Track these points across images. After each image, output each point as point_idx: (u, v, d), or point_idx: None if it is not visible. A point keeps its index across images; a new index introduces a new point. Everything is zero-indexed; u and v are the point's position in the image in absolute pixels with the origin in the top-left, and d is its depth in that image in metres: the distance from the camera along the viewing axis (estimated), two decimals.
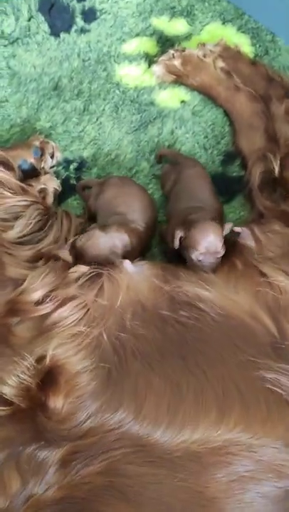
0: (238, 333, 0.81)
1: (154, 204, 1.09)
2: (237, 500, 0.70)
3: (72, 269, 0.89)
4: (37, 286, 0.85)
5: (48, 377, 0.78)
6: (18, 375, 0.76)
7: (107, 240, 0.93)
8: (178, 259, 0.97)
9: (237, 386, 0.76)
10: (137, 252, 0.97)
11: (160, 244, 1.08)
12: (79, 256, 0.92)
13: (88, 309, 0.84)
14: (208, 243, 0.91)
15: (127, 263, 0.90)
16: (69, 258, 0.92)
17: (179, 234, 0.94)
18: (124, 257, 0.93)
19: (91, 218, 1.08)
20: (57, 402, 0.76)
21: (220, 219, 1.02)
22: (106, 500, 0.71)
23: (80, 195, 1.15)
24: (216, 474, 0.71)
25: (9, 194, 0.99)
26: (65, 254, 0.93)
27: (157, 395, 0.76)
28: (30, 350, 0.78)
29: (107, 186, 1.07)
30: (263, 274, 0.89)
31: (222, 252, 0.92)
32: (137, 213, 1.01)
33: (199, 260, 0.92)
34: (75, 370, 0.78)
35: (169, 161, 1.15)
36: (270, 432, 0.73)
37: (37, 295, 0.85)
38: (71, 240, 0.96)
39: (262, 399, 0.75)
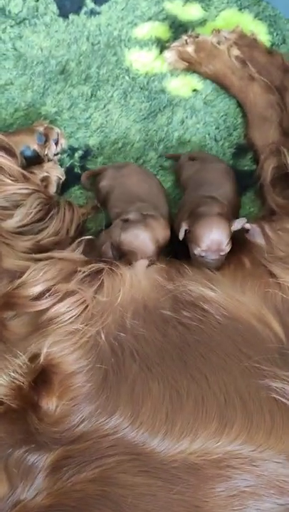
0: (243, 337, 0.78)
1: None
2: None
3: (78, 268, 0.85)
4: (38, 281, 0.82)
5: (42, 377, 0.74)
6: (9, 374, 0.73)
7: (152, 234, 0.88)
8: (184, 251, 0.94)
9: (240, 394, 0.72)
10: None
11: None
12: (121, 255, 0.88)
13: (87, 306, 0.81)
14: (210, 241, 0.87)
15: (143, 263, 0.86)
16: (79, 258, 0.88)
17: (184, 227, 0.91)
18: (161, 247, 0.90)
19: (101, 202, 1.04)
20: (50, 403, 0.73)
21: (234, 215, 0.98)
22: (98, 510, 0.68)
23: (83, 184, 1.10)
24: (215, 488, 0.68)
25: (10, 181, 0.96)
26: (75, 255, 0.89)
27: (155, 400, 0.73)
28: (24, 347, 0.75)
29: (129, 171, 1.04)
30: (273, 275, 0.86)
31: (226, 250, 0.88)
32: (160, 203, 0.99)
33: (202, 256, 0.89)
34: (70, 370, 0.75)
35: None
36: (273, 445, 0.70)
37: (36, 290, 0.81)
38: (81, 239, 0.93)
39: (266, 409, 0.72)
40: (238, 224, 0.91)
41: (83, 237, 0.92)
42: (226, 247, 0.88)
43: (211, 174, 1.04)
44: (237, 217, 0.95)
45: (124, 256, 0.88)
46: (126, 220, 0.91)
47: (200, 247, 0.88)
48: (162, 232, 0.91)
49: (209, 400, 0.72)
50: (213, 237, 0.87)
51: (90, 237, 0.94)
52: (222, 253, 0.88)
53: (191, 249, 0.90)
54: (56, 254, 0.86)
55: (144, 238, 0.88)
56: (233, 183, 1.04)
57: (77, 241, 0.91)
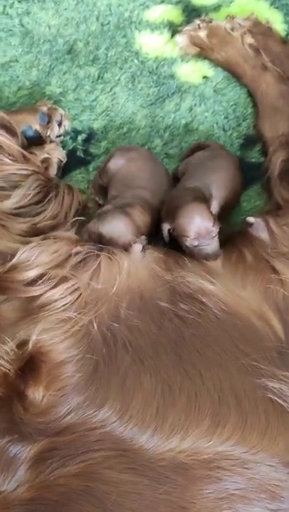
0: (241, 334, 0.75)
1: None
2: None
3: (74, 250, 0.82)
4: (31, 266, 0.79)
5: (29, 365, 0.72)
6: None
7: (130, 223, 0.87)
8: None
9: (235, 393, 0.70)
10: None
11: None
12: (94, 239, 0.86)
13: (80, 294, 0.78)
14: (196, 227, 0.86)
15: (137, 246, 0.85)
16: (74, 238, 0.86)
17: (166, 227, 0.89)
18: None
19: (106, 184, 1.02)
20: (36, 393, 0.70)
21: (231, 201, 0.96)
22: (80, 506, 0.65)
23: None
24: (203, 490, 0.65)
25: (9, 161, 0.94)
26: (70, 234, 0.86)
27: (147, 395, 0.70)
28: (13, 333, 0.72)
29: (137, 155, 1.02)
30: (275, 271, 0.84)
31: (216, 230, 0.86)
32: (160, 193, 0.97)
33: (196, 246, 0.86)
34: (60, 359, 0.73)
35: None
36: (267, 447, 0.67)
37: (30, 275, 0.79)
38: (76, 219, 0.90)
39: (261, 410, 0.69)
40: (214, 205, 0.90)
41: (78, 218, 0.89)
42: (214, 228, 0.87)
43: (197, 165, 1.01)
44: (233, 205, 0.92)
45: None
46: (101, 213, 0.90)
47: (189, 236, 0.86)
48: (141, 217, 0.89)
49: (202, 396, 0.70)
50: (197, 223, 0.86)
51: (83, 218, 0.91)
52: (213, 234, 0.86)
53: (182, 244, 0.88)
54: (50, 236, 0.83)
55: (120, 225, 0.87)
56: (231, 165, 1.01)
57: (71, 221, 0.88)
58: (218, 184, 0.96)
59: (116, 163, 1.01)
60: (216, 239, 0.87)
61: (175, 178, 1.04)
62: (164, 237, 0.90)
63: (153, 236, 0.96)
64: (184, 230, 0.86)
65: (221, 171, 0.99)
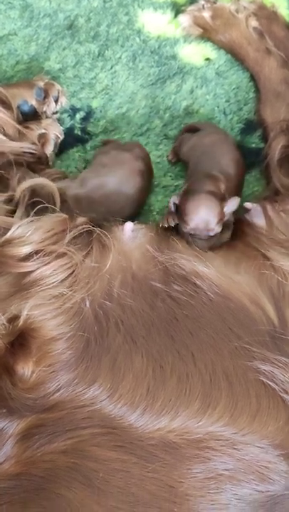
0: (234, 317, 0.74)
1: None
2: (211, 500, 0.64)
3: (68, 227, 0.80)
4: (26, 241, 0.77)
5: (20, 340, 0.70)
6: None
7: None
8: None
9: (227, 375, 0.69)
10: None
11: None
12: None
13: (74, 271, 0.77)
14: (198, 218, 0.83)
15: (128, 225, 0.83)
16: (69, 215, 0.84)
17: (172, 200, 0.87)
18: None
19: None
20: (26, 368, 0.69)
21: (236, 192, 0.94)
22: (67, 483, 0.64)
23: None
24: (192, 469, 0.65)
25: (3, 137, 0.90)
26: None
27: (137, 374, 0.69)
28: (4, 308, 0.71)
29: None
30: (270, 257, 0.82)
31: (216, 230, 0.84)
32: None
33: (191, 235, 0.85)
34: (51, 335, 0.71)
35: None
36: (257, 429, 0.67)
37: (24, 251, 0.77)
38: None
39: (253, 392, 0.68)
40: (231, 205, 0.86)
41: None
42: (215, 227, 0.84)
43: (210, 148, 0.99)
44: (239, 195, 0.91)
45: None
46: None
47: (187, 224, 0.84)
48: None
49: (194, 378, 0.69)
50: (200, 215, 0.83)
51: None
52: (211, 233, 0.84)
53: (180, 226, 0.86)
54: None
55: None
56: (231, 150, 0.99)
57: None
58: (231, 171, 0.95)
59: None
60: (214, 239, 0.85)
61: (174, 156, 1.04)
62: (169, 207, 0.87)
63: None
64: (186, 217, 0.84)
65: (230, 157, 0.97)
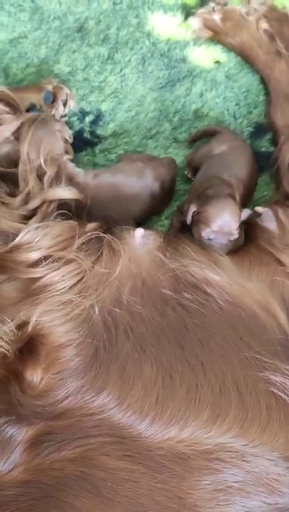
0: (245, 326, 0.74)
1: None
2: None
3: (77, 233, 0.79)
4: (34, 247, 0.77)
5: (29, 347, 0.70)
6: None
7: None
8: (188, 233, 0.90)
9: (237, 385, 0.68)
10: None
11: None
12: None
13: (83, 277, 0.76)
14: (222, 221, 0.84)
15: (139, 232, 0.83)
16: (78, 221, 0.83)
17: (192, 208, 0.88)
18: None
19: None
20: (34, 375, 0.68)
21: (247, 198, 0.95)
22: (75, 492, 0.64)
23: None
24: (201, 481, 0.64)
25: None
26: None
27: (146, 383, 0.69)
28: (13, 314, 0.71)
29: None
30: (282, 262, 0.82)
31: (236, 235, 0.85)
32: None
33: (209, 239, 0.85)
34: (59, 342, 0.71)
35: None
36: (267, 441, 0.66)
37: (33, 256, 0.77)
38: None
39: (263, 403, 0.68)
40: (245, 214, 0.88)
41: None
42: (236, 232, 0.85)
43: (225, 153, 0.99)
44: (249, 197, 0.91)
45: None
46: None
47: (210, 227, 0.84)
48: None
49: (204, 388, 0.68)
50: (225, 219, 0.84)
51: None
52: (231, 238, 0.85)
53: (198, 231, 0.86)
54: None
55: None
56: (250, 162, 0.99)
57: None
58: (244, 178, 0.95)
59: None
60: (231, 244, 0.85)
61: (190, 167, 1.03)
62: (186, 216, 0.88)
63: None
64: (210, 220, 0.84)
65: (244, 164, 0.97)
